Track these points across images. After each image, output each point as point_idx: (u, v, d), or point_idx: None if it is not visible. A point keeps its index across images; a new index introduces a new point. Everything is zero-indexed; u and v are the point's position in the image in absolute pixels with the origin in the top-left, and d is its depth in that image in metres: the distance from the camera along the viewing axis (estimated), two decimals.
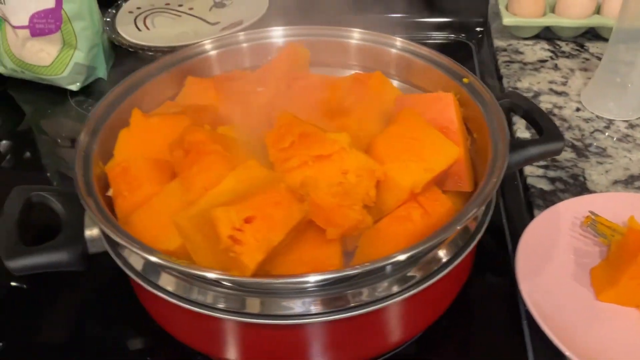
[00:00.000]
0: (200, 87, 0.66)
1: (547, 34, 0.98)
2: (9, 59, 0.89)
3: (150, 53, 0.86)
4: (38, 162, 0.86)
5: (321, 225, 0.47)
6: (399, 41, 0.68)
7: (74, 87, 0.91)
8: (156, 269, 0.50)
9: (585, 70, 0.91)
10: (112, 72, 0.95)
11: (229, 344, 0.51)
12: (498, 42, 0.99)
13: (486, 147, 0.55)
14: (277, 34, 0.70)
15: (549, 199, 0.69)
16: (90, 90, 0.93)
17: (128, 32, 0.90)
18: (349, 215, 0.47)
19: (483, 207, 0.46)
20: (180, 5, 0.97)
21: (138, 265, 0.51)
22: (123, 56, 0.95)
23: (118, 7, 0.95)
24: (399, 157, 0.51)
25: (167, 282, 0.49)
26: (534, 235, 0.61)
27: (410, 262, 0.47)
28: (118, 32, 0.90)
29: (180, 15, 0.94)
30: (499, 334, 0.57)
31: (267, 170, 0.49)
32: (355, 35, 0.69)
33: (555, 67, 0.92)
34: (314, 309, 0.45)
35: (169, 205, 0.51)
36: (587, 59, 0.93)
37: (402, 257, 0.43)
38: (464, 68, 0.62)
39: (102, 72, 0.93)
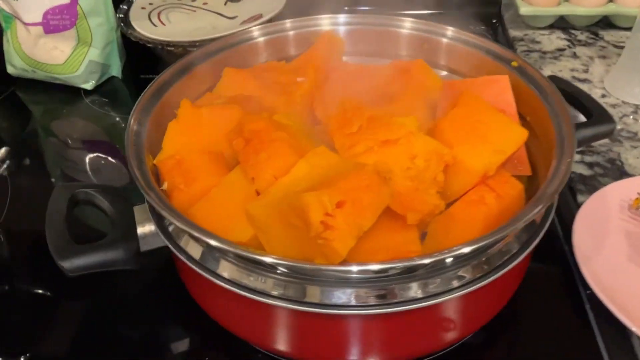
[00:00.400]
0: (239, 77, 0.64)
1: (561, 23, 0.99)
2: (19, 58, 0.86)
3: (170, 48, 0.84)
4: (42, 167, 0.82)
5: (398, 210, 0.46)
6: (439, 27, 0.67)
7: (88, 86, 0.88)
8: (216, 258, 0.47)
9: (604, 57, 0.92)
10: (125, 70, 0.93)
11: (286, 334, 0.49)
12: (514, 32, 0.99)
13: (543, 130, 0.54)
14: (324, 22, 0.69)
15: (590, 183, 0.69)
16: (105, 89, 0.91)
17: (144, 28, 0.87)
18: (426, 200, 0.46)
19: (562, 187, 0.46)
20: (193, 0, 0.94)
21: (197, 255, 0.49)
22: (135, 53, 0.92)
23: (130, 4, 0.93)
24: (466, 140, 0.50)
25: (227, 270, 0.47)
26: (586, 220, 0.61)
27: (480, 252, 0.46)
28: (134, 28, 0.87)
29: (195, 11, 0.92)
30: (563, 319, 0.56)
31: (338, 156, 0.47)
32: (398, 23, 0.68)
33: (574, 56, 0.92)
34: (374, 300, 0.43)
35: (232, 195, 0.49)
36: (604, 47, 0.94)
37: (495, 238, 0.42)
38: (510, 51, 0.62)
39: (115, 69, 0.90)
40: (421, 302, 0.44)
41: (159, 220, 0.52)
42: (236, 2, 0.93)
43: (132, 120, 0.55)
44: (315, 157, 0.46)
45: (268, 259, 0.41)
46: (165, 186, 0.52)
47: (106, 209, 0.55)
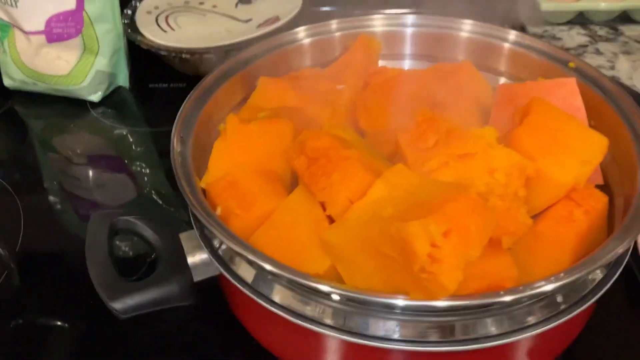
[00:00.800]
0: (276, 87, 0.59)
1: (579, 19, 0.97)
2: (19, 69, 0.79)
3: (186, 56, 0.78)
4: (39, 184, 0.76)
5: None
6: (480, 26, 0.63)
7: (95, 98, 0.82)
8: (269, 283, 0.43)
9: (628, 53, 0.90)
10: (132, 79, 0.87)
11: None
12: (533, 29, 0.96)
13: (612, 136, 0.51)
14: (376, 23, 0.65)
15: None
16: (112, 100, 0.85)
17: (153, 34, 0.82)
18: (519, 220, 0.42)
19: None
20: (201, 3, 0.89)
21: (254, 282, 0.44)
22: (142, 61, 0.87)
23: (134, 9, 0.87)
24: (549, 150, 0.46)
25: (284, 297, 0.43)
26: None
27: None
28: (142, 34, 0.82)
29: (204, 14, 0.87)
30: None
31: (417, 175, 0.43)
32: (446, 24, 0.64)
33: (598, 52, 0.90)
34: (438, 336, 0.39)
35: (298, 221, 0.45)
36: (626, 42, 0.92)
37: (597, 264, 0.39)
38: (566, 51, 0.59)
39: (123, 79, 0.84)
40: (496, 340, 0.40)
41: (212, 248, 0.47)
42: (248, 4, 0.88)
43: (174, 141, 0.50)
44: (393, 176, 0.42)
45: (379, 299, 0.37)
46: (218, 212, 0.47)
47: (150, 238, 0.50)
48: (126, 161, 0.79)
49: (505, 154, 0.45)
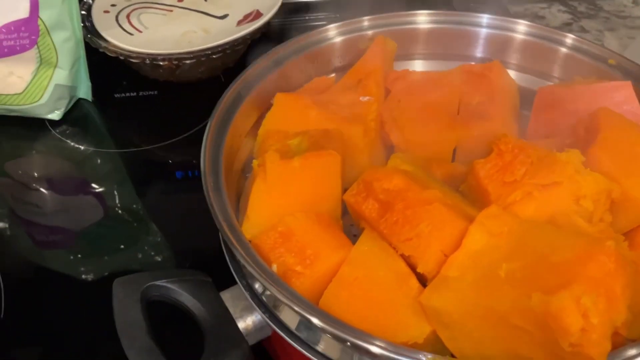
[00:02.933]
0: (296, 105, 0.52)
1: None
2: None
3: (163, 62, 0.69)
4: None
5: None
6: (510, 22, 0.58)
7: (56, 116, 0.71)
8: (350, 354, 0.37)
9: (612, 30, 0.88)
10: (94, 90, 0.76)
11: None
12: (515, 8, 0.93)
13: None
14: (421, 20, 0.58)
15: None
16: (74, 116, 0.74)
17: (118, 38, 0.71)
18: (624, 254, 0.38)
19: None
20: None
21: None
22: (102, 67, 0.76)
23: (88, 7, 0.75)
24: (630, 170, 0.42)
25: None
26: None
27: None
28: (105, 39, 0.71)
29: (171, 10, 0.76)
30: None
31: (516, 216, 0.38)
32: (467, 20, 0.58)
33: (583, 30, 0.88)
34: None
35: (376, 278, 0.39)
36: (608, 18, 0.91)
37: None
38: (604, 47, 0.55)
39: (84, 91, 0.73)
40: None
41: (267, 308, 0.41)
42: None
43: (208, 189, 0.42)
44: (490, 221, 0.37)
45: None
46: (274, 270, 0.40)
47: (188, 304, 0.42)
48: (92, 182, 0.69)
49: (593, 180, 0.40)
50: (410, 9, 0.58)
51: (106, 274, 0.58)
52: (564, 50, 0.56)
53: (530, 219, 0.40)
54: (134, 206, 0.66)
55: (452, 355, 0.36)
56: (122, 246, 0.62)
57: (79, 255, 0.61)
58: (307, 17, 0.85)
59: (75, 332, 0.53)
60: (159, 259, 0.61)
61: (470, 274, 0.35)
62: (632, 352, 0.34)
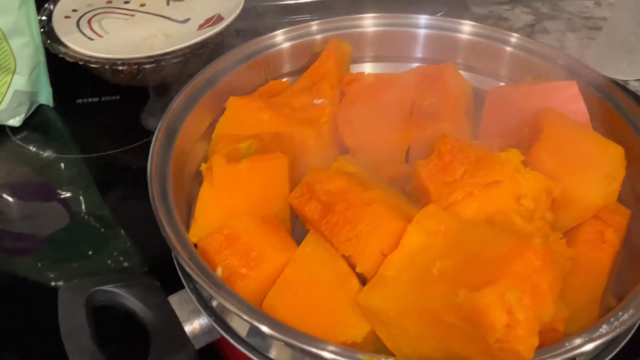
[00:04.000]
0: (248, 108, 0.52)
1: None
2: None
3: (122, 67, 0.69)
4: None
5: None
6: (456, 23, 0.59)
7: (16, 122, 0.71)
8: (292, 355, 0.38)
9: (573, 31, 0.89)
10: (55, 95, 0.76)
11: None
12: (478, 10, 0.93)
13: (617, 136, 0.48)
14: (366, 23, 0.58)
15: None
16: (35, 122, 0.73)
17: (78, 43, 0.71)
18: (561, 251, 0.39)
19: None
20: (126, 2, 0.78)
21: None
22: (63, 72, 0.76)
23: (49, 13, 0.75)
24: (572, 168, 0.43)
25: None
26: None
27: None
28: (65, 45, 0.71)
29: (133, 15, 0.76)
30: None
31: (453, 215, 0.39)
32: (413, 22, 0.59)
33: (545, 31, 0.89)
34: None
35: (318, 278, 0.39)
36: (570, 19, 0.92)
37: None
38: (552, 47, 0.56)
39: (45, 97, 0.73)
40: None
41: (213, 311, 0.41)
42: (181, 1, 0.79)
43: (153, 192, 0.42)
44: (428, 220, 0.37)
45: None
46: (219, 273, 0.41)
47: (134, 307, 0.42)
48: (56, 188, 0.69)
49: (533, 179, 0.41)
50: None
51: (75, 280, 0.58)
52: (513, 50, 0.57)
53: (471, 218, 0.40)
54: (100, 211, 0.66)
55: (391, 354, 0.36)
56: (89, 252, 0.61)
57: (47, 262, 0.60)
58: (270, 21, 0.85)
59: (44, 339, 0.52)
60: (127, 264, 0.61)
61: (407, 273, 0.36)
62: (572, 343, 0.34)
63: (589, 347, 0.34)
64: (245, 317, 0.36)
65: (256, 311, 0.36)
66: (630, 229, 0.45)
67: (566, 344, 0.34)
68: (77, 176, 0.70)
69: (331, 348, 0.33)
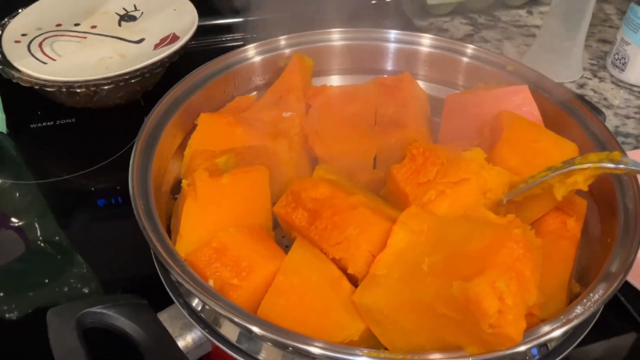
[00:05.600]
0: (220, 124, 0.53)
1: (459, 9, 1.00)
2: None
3: (80, 90, 0.68)
4: None
5: None
6: (414, 36, 0.62)
7: None
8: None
9: (510, 39, 0.95)
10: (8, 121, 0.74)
11: None
12: (419, 22, 0.98)
13: (568, 134, 0.52)
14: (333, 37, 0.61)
15: None
16: None
17: (31, 67, 0.69)
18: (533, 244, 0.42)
19: None
20: (77, 25, 0.78)
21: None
22: (17, 98, 0.74)
23: None
24: (532, 164, 0.47)
25: None
26: None
27: None
28: (18, 69, 0.69)
29: (85, 37, 0.76)
30: None
31: (434, 214, 0.41)
32: (377, 36, 0.61)
33: (484, 40, 0.94)
34: None
35: (309, 283, 0.40)
36: (506, 28, 0.97)
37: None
38: (502, 55, 0.60)
39: None
40: None
41: (206, 324, 0.42)
42: (133, 21, 0.79)
43: (139, 212, 0.42)
44: (412, 220, 0.40)
45: None
46: (211, 285, 0.41)
47: (126, 327, 0.42)
48: (11, 216, 0.67)
49: (496, 173, 0.44)
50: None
51: (31, 310, 0.57)
52: (466, 60, 0.60)
53: (445, 214, 0.43)
54: (57, 238, 0.65)
55: (386, 349, 0.38)
56: (46, 280, 0.60)
57: (1, 293, 0.59)
58: (224, 38, 0.86)
59: None
60: (86, 291, 0.60)
61: (397, 271, 0.38)
62: (545, 328, 0.37)
63: (566, 327, 0.37)
64: (239, 321, 0.37)
65: (250, 315, 0.37)
66: (587, 217, 0.49)
67: (544, 327, 0.37)
68: (33, 203, 0.69)
69: (321, 344, 0.35)
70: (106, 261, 0.61)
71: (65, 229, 0.65)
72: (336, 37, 0.61)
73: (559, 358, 0.41)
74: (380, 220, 0.40)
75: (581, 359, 0.52)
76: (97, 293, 0.58)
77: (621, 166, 0.40)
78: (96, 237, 0.65)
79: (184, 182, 0.46)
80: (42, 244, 0.64)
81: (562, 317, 0.38)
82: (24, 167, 0.72)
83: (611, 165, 0.40)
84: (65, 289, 0.59)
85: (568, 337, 0.42)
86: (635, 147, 0.74)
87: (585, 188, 0.42)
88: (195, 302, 0.42)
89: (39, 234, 0.65)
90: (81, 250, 0.63)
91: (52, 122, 0.75)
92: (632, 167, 0.39)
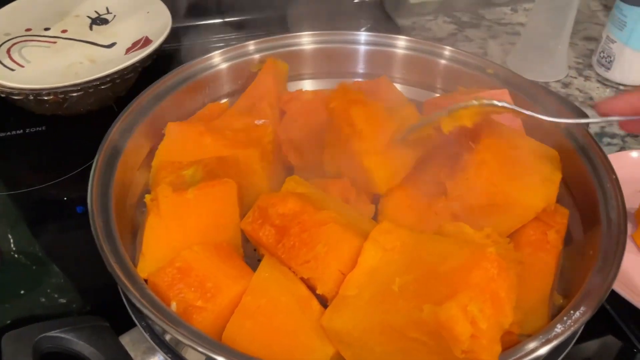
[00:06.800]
0: (188, 133, 0.51)
1: (442, 8, 0.98)
2: None
3: (48, 97, 0.66)
4: None
5: None
6: (388, 38, 0.60)
7: None
8: None
9: (494, 37, 0.93)
10: None
11: None
12: (402, 22, 0.96)
13: (548, 138, 0.51)
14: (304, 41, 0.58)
15: None
16: None
17: None
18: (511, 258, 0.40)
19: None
20: (46, 29, 0.75)
21: None
22: None
23: None
24: (511, 173, 0.45)
25: None
26: None
27: None
28: None
29: (55, 42, 0.73)
30: None
31: (410, 231, 0.39)
32: (351, 38, 0.59)
33: (468, 39, 0.92)
34: None
35: (277, 304, 0.38)
36: (490, 26, 0.96)
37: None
38: (480, 57, 0.58)
39: None
40: None
41: (169, 348, 0.40)
42: (104, 25, 0.76)
43: (97, 229, 0.40)
44: (383, 236, 0.38)
45: None
46: (174, 307, 0.39)
47: (85, 352, 0.40)
48: None
49: None
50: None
51: (8, 322, 0.55)
52: (444, 62, 0.58)
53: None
54: (31, 248, 0.62)
55: None
56: (22, 291, 0.58)
57: None
58: (201, 41, 0.84)
59: None
60: (64, 301, 0.58)
61: (367, 291, 0.36)
62: (525, 349, 0.36)
63: (546, 348, 0.35)
64: (202, 350, 0.35)
65: (213, 342, 0.35)
66: (569, 227, 0.48)
67: (525, 347, 0.36)
68: (5, 214, 0.67)
69: None
70: (81, 272, 0.59)
71: (39, 239, 0.63)
72: (307, 40, 0.58)
73: None
74: (351, 237, 0.38)
75: None
76: (74, 304, 0.56)
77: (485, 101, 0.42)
78: (71, 247, 0.63)
79: (147, 197, 0.44)
80: (16, 255, 0.62)
81: (541, 336, 0.36)
82: None
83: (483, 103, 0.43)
84: (42, 299, 0.57)
85: (550, 354, 0.40)
86: (622, 148, 0.72)
87: (469, 124, 0.43)
88: (157, 327, 0.40)
89: (12, 245, 0.63)
90: (56, 260, 0.61)
91: (21, 131, 0.73)
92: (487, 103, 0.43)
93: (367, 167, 0.46)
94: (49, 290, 0.58)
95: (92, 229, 0.41)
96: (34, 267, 0.61)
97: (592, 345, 0.52)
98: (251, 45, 0.57)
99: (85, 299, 0.57)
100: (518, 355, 0.35)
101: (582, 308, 0.37)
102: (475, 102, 0.42)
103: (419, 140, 0.48)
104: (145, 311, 0.36)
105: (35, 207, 0.66)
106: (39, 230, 0.64)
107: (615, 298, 0.50)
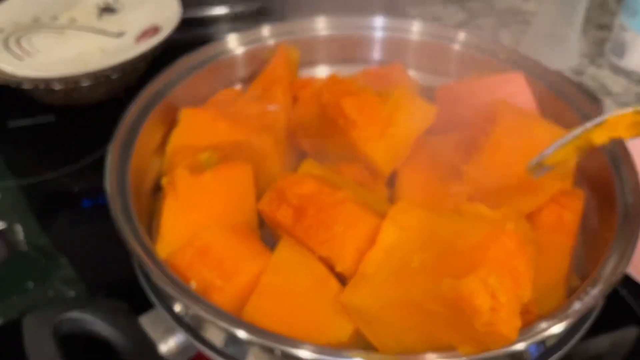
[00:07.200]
0: (203, 119, 0.51)
1: None
2: None
3: (57, 86, 0.66)
4: None
5: None
6: (403, 23, 0.60)
7: None
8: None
9: (506, 25, 0.93)
10: None
11: None
12: (413, 11, 0.95)
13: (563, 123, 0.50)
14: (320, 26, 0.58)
15: None
16: None
17: (7, 63, 0.67)
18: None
19: None
20: (54, 18, 0.75)
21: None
22: None
23: None
24: (526, 155, 0.44)
25: None
26: None
27: None
28: None
29: (62, 32, 0.73)
30: None
31: (425, 210, 0.39)
32: (364, 24, 0.59)
33: (479, 28, 0.92)
34: None
35: (296, 283, 0.39)
36: (501, 15, 0.95)
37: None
38: (495, 41, 0.57)
39: None
40: None
41: (190, 327, 0.40)
42: (113, 13, 0.76)
43: (116, 212, 0.40)
44: (401, 215, 0.38)
45: None
46: (193, 287, 0.39)
47: (104, 332, 0.40)
48: None
49: None
50: None
51: (17, 315, 0.55)
52: (457, 47, 0.58)
53: None
54: (40, 240, 0.62)
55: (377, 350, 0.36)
56: (31, 284, 0.58)
57: None
58: (211, 31, 0.84)
59: None
60: (73, 293, 0.58)
61: (386, 269, 0.36)
62: (542, 325, 0.36)
63: (564, 324, 0.35)
64: (225, 325, 0.35)
65: (235, 319, 0.35)
66: (585, 210, 0.48)
67: (543, 324, 0.35)
68: (14, 205, 0.66)
69: (310, 347, 0.33)
70: (92, 263, 0.59)
71: (48, 231, 0.63)
72: (322, 26, 0.58)
73: (558, 354, 0.39)
74: (368, 216, 0.38)
75: (581, 355, 0.50)
76: (83, 296, 0.56)
77: None
78: (81, 239, 0.63)
79: (164, 180, 0.44)
80: (26, 248, 0.62)
81: (559, 313, 0.36)
82: (3, 168, 0.70)
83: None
84: (51, 292, 0.57)
85: (567, 334, 0.40)
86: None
87: (626, 136, 0.39)
88: (177, 306, 0.40)
89: (21, 237, 0.63)
90: (66, 252, 0.61)
91: (30, 121, 0.73)
92: None
93: (367, 153, 0.46)
94: (57, 283, 0.58)
95: (111, 210, 0.41)
96: (43, 260, 0.61)
97: (609, 337, 0.52)
98: (265, 31, 0.57)
99: (94, 290, 0.57)
100: (536, 331, 0.35)
101: (598, 286, 0.37)
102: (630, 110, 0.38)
103: (415, 117, 0.48)
104: (166, 289, 0.36)
105: (45, 198, 0.66)
106: (48, 222, 0.64)
107: (632, 284, 0.50)
